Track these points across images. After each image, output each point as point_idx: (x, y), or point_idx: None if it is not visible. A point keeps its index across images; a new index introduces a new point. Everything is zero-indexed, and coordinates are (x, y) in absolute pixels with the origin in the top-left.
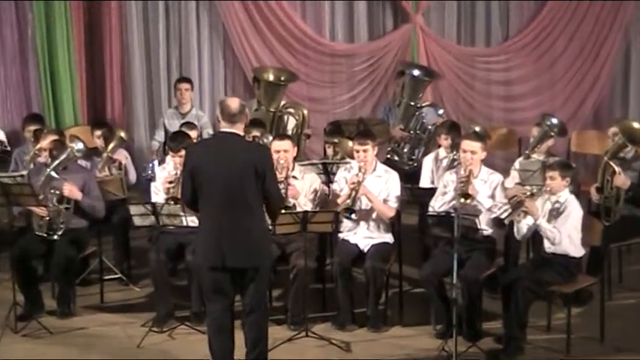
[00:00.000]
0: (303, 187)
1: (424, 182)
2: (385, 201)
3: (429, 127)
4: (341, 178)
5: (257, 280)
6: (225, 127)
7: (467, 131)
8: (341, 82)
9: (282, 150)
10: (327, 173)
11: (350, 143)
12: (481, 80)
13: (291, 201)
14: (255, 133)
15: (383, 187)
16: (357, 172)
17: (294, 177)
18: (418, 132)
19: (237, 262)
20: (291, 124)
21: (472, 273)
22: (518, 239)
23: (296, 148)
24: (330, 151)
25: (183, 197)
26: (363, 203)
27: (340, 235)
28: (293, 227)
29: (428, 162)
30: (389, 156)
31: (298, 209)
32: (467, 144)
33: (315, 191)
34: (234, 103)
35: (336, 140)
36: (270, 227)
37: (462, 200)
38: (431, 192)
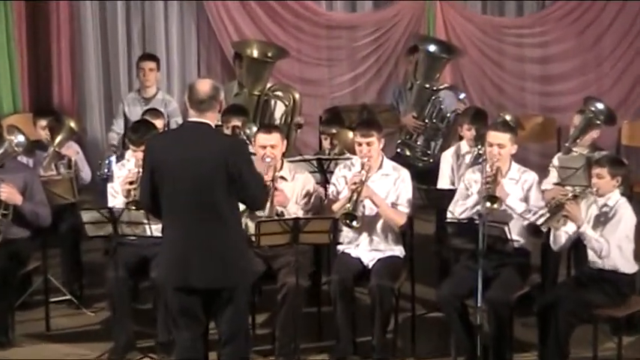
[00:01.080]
0: (293, 191)
1: (442, 182)
2: (394, 205)
3: (448, 114)
4: (340, 177)
5: (234, 302)
6: (193, 116)
7: (494, 120)
8: (340, 60)
9: (268, 145)
10: (323, 171)
11: (351, 135)
12: (512, 57)
13: (279, 209)
14: (236, 122)
15: (391, 188)
16: (360, 170)
17: (282, 178)
18: (435, 121)
19: (209, 282)
20: (279, 111)
21: (501, 294)
22: (557, 251)
23: (285, 142)
24: (326, 144)
25: (141, 200)
26: (367, 208)
27: (339, 248)
28: (282, 237)
29: (447, 158)
30: (399, 150)
31: (287, 217)
32: (494, 136)
33: (308, 194)
34: (203, 85)
35: (334, 131)
36: (254, 239)
37: (489, 204)
38: (450, 194)
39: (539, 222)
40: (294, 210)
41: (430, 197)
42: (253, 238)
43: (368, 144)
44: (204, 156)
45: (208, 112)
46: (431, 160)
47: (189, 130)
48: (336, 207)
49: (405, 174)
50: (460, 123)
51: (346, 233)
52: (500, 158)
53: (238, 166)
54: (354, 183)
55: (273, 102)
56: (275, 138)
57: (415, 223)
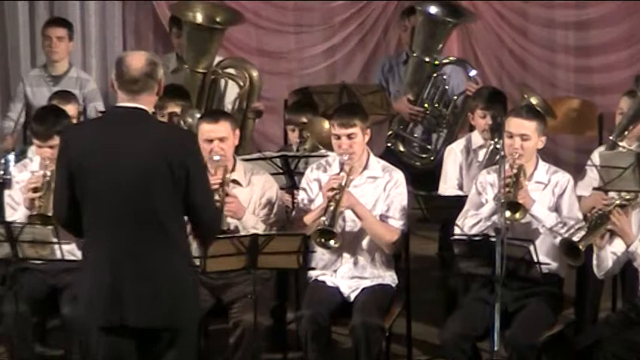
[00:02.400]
0: (250, 198)
1: (447, 187)
2: (384, 218)
3: (455, 97)
4: (312, 181)
5: (178, 347)
6: (123, 101)
7: (516, 105)
8: (312, 26)
9: (215, 138)
10: (290, 173)
11: (326, 125)
12: (539, 23)
13: (231, 222)
14: (173, 108)
15: (380, 195)
16: (339, 172)
17: (235, 182)
18: (437, 105)
19: (148, 320)
20: (231, 93)
21: (525, 334)
22: (599, 278)
23: (238, 134)
24: (294, 136)
25: (55, 213)
26: (348, 222)
27: (311, 274)
28: (235, 261)
29: (453, 154)
30: (390, 145)
31: (243, 233)
32: (516, 124)
33: (270, 203)
34: (136, 60)
35: (304, 120)
36: (198, 262)
37: (509, 215)
38: (458, 202)
39: (575, 239)
40: (252, 224)
41: (431, 207)
42: (197, 262)
43: (349, 137)
44: (140, 153)
45: (143, 95)
46: (432, 158)
47: (119, 118)
48: (307, 220)
49: (398, 176)
50: (471, 108)
51: (321, 255)
52: (523, 154)
53: (185, 167)
54: (331, 189)
55: (223, 82)
56: (225, 128)
57: (412, 241)
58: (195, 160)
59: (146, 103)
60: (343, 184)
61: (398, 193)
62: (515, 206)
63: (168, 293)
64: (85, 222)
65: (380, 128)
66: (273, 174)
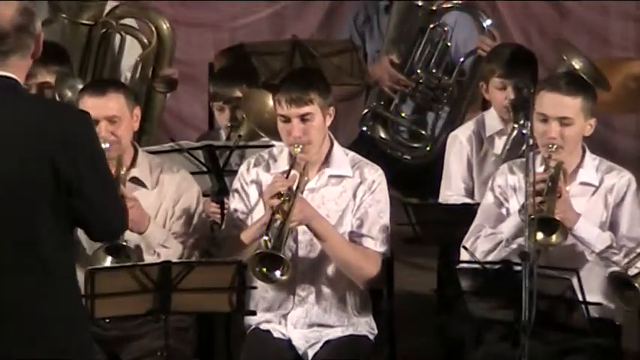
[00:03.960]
0: (157, 206)
1: (450, 191)
2: (356, 238)
3: (461, 59)
4: (249, 183)
5: None
6: None
7: (551, 71)
8: None
9: (103, 118)
10: (218, 172)
11: (270, 101)
12: None
13: (130, 239)
14: (45, 77)
15: (349, 203)
16: (288, 171)
17: (135, 181)
18: (434, 71)
19: None
20: (130, 55)
21: None
22: None
23: (139, 113)
24: (222, 117)
25: None
26: (303, 244)
27: (251, 321)
28: (138, 302)
29: (459, 144)
30: (365, 129)
31: (148, 258)
32: (552, 102)
33: (188, 214)
34: (3, 8)
35: (237, 94)
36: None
37: (541, 236)
38: (466, 215)
39: (632, 271)
40: (159, 241)
41: (426, 221)
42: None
43: (303, 118)
44: (10, 143)
45: (14, 58)
46: (427, 149)
47: None
48: (244, 239)
49: (375, 176)
50: (484, 76)
51: (263, 293)
52: (563, 146)
53: (74, 161)
54: (277, 195)
55: (118, 38)
56: (117, 104)
57: (398, 271)
58: (89, 152)
59: (18, 69)
60: (295, 187)
61: (375, 201)
62: (550, 224)
63: (38, 345)
64: None
65: (350, 106)
66: (193, 173)
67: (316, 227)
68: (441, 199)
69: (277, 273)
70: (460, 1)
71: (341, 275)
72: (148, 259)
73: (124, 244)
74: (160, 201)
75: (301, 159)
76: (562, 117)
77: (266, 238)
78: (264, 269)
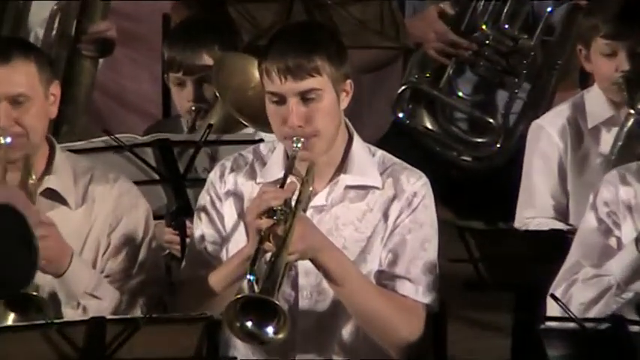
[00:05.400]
0: (86, 232)
1: (535, 210)
2: (387, 280)
3: (549, 10)
4: (222, 195)
5: None
6: None
7: None
8: None
9: (4, 98)
10: (177, 183)
11: (255, 70)
12: None
13: (43, 282)
14: None
15: (376, 228)
16: (283, 179)
17: (51, 194)
18: (507, 29)
19: None
20: (42, 6)
21: None
22: None
23: (58, 92)
24: (182, 97)
25: None
26: (306, 289)
27: None
28: None
29: (546, 138)
30: (402, 116)
31: (70, 314)
32: None
33: (131, 244)
34: None
35: (205, 61)
36: None
37: None
38: (557, 245)
39: None
40: (86, 286)
41: (495, 256)
42: None
43: (305, 97)
44: None
45: None
46: (498, 146)
47: None
48: (214, 284)
49: (418, 187)
50: (584, 35)
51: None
52: None
53: None
54: (267, 213)
55: None
56: (25, 77)
57: (453, 332)
58: None
59: None
60: (294, 203)
61: (417, 225)
62: None
63: None
64: None
65: (378, 80)
66: (137, 183)
67: (326, 263)
68: (518, 223)
69: (269, 329)
70: None
71: (363, 339)
72: (70, 314)
73: (34, 293)
74: (89, 226)
75: (303, 159)
76: None
77: (251, 277)
78: (249, 324)
